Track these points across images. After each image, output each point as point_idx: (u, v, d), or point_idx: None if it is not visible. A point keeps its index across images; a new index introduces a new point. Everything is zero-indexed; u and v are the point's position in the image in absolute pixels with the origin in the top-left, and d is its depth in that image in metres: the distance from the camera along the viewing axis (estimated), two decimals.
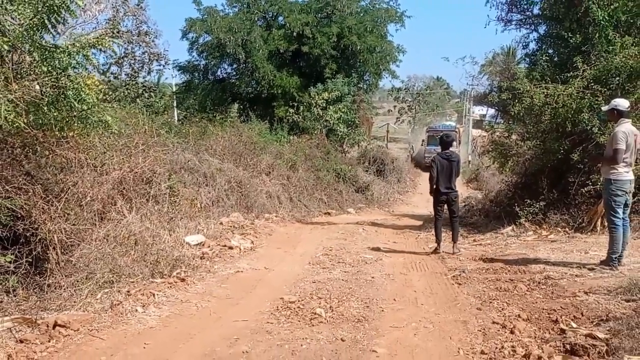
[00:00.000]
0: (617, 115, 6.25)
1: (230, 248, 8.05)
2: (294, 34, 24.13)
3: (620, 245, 6.17)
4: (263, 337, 4.23)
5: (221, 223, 10.10)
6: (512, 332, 4.40)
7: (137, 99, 16.26)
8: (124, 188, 7.51)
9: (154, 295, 5.21)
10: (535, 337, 4.28)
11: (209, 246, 7.98)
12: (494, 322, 4.67)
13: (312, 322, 4.65)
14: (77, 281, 5.28)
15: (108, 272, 5.61)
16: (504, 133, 12.67)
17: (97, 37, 4.80)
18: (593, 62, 9.34)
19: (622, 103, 6.27)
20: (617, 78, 8.88)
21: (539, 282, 5.83)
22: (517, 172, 12.20)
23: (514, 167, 12.20)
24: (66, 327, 4.03)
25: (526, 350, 3.95)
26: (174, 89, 29.25)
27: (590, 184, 8.63)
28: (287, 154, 17.52)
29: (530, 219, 9.41)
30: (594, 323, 4.47)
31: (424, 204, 20.41)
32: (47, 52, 4.80)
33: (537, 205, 9.43)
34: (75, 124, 4.95)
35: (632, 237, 7.27)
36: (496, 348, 4.09)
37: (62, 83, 4.74)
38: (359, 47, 25.36)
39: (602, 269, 6.13)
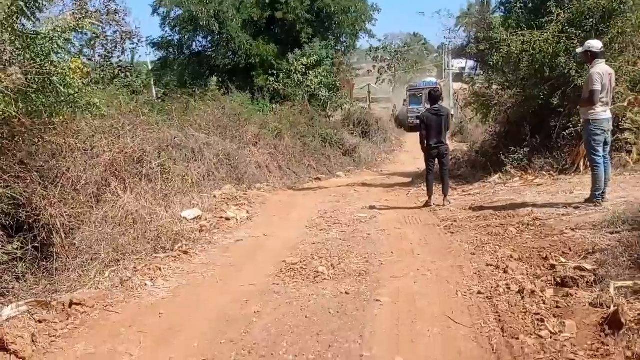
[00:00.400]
0: (591, 56, 6.41)
1: (227, 219, 8.19)
2: (267, 0, 23.81)
3: (603, 182, 6.42)
4: (271, 297, 4.43)
5: (215, 196, 10.20)
6: (505, 272, 4.65)
7: (114, 80, 16.09)
8: (116, 169, 7.56)
9: (160, 269, 5.37)
10: (527, 274, 4.53)
11: (206, 219, 8.11)
12: (487, 265, 4.92)
13: (315, 280, 4.86)
14: (83, 262, 5.41)
15: (112, 251, 5.74)
16: (484, 84, 12.82)
17: (78, 20, 4.80)
18: (566, 5, 9.44)
19: (595, 44, 6.42)
20: (591, 20, 9.03)
21: (528, 224, 6.08)
22: (500, 121, 12.40)
23: (497, 116, 12.40)
24: (82, 305, 4.19)
25: (520, 286, 4.19)
26: (150, 67, 28.84)
27: (571, 126, 8.87)
28: (272, 122, 17.55)
29: (516, 165, 9.67)
30: (582, 256, 4.72)
31: (411, 162, 20.66)
32: (28, 39, 4.81)
33: (522, 152, 9.68)
34: (64, 109, 4.99)
35: (613, 174, 7.54)
36: (492, 287, 4.32)
37: (47, 69, 4.77)
38: (333, 9, 25.14)
39: (587, 207, 6.39)
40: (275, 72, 23.52)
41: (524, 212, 6.74)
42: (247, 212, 8.89)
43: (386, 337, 3.60)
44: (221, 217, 8.29)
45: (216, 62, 24.75)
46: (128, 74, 18.18)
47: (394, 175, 16.82)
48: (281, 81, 23.25)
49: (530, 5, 10.53)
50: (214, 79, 26.30)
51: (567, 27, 9.08)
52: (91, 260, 5.51)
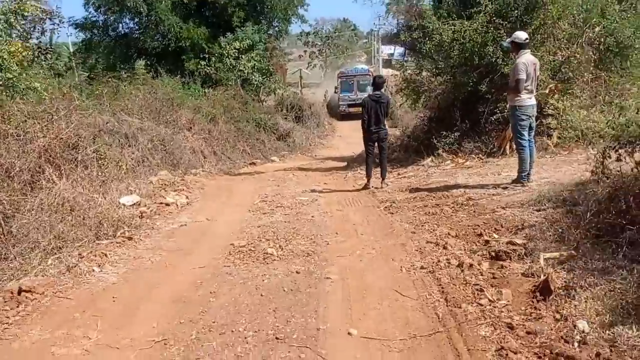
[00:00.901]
0: (516, 47, 6.85)
1: (167, 205, 8.13)
2: None
3: (528, 164, 6.91)
4: (225, 279, 4.53)
5: (151, 182, 10.03)
6: (444, 248, 4.97)
7: (33, 63, 15.35)
8: (50, 155, 7.33)
9: (106, 255, 5.31)
10: (464, 250, 4.87)
11: (145, 205, 8.01)
12: (428, 242, 5.22)
13: (265, 261, 4.99)
14: (23, 250, 5.27)
15: (53, 238, 5.60)
16: (415, 70, 13.26)
17: (19, 2, 4.63)
18: None
19: (520, 35, 6.87)
20: (516, 11, 9.56)
21: (462, 204, 6.47)
22: (431, 107, 12.89)
23: (427, 102, 12.89)
24: (31, 292, 4.11)
25: (459, 260, 4.52)
26: (72, 49, 27.55)
27: (498, 112, 9.40)
28: (205, 107, 17.37)
29: (447, 149, 10.14)
30: (512, 232, 5.13)
31: (344, 146, 21.05)
32: None
33: (452, 136, 10.16)
34: (3, 94, 4.82)
35: (537, 156, 8.09)
36: (433, 262, 4.62)
37: None
38: None
39: (514, 187, 6.86)
40: (206, 56, 23.12)
41: (457, 192, 7.14)
42: (187, 197, 8.84)
43: (339, 311, 3.80)
44: (161, 203, 8.22)
45: (144, 45, 23.94)
46: (48, 55, 17.34)
47: (328, 159, 17.11)
48: (213, 65, 22.89)
49: None
50: (142, 62, 25.60)
51: (494, 18, 9.56)
52: (31, 248, 5.37)
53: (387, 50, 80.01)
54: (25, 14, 4.77)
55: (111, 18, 24.34)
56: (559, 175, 7.01)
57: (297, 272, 4.62)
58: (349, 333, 3.48)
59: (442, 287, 4.05)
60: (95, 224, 6.37)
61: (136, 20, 24.68)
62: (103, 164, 8.54)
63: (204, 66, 22.99)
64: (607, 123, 5.77)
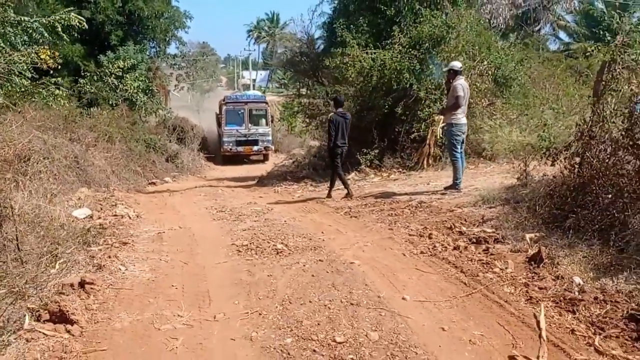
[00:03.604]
0: (453, 73, 8.15)
1: (122, 217, 8.14)
2: None
3: (461, 173, 8.18)
4: (263, 267, 4.98)
5: (79, 198, 9.82)
6: (430, 238, 5.89)
7: None
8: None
9: (117, 257, 5.44)
10: (448, 238, 5.83)
11: (100, 217, 7.97)
12: (411, 235, 6.12)
13: (281, 255, 5.50)
14: (20, 257, 5.22)
15: (50, 245, 5.59)
16: (309, 95, 14.49)
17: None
18: (405, 31, 11.37)
19: (456, 64, 8.23)
20: (426, 44, 11.05)
21: (417, 206, 7.49)
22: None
23: (322, 125, 14.12)
24: (94, 284, 4.24)
25: (453, 244, 5.47)
26: None
27: (415, 131, 10.72)
28: (102, 126, 16.98)
29: (369, 164, 11.25)
30: (477, 225, 6.21)
31: (229, 170, 21.51)
32: None
33: (372, 153, 11.29)
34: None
35: (466, 167, 9.44)
36: (429, 248, 5.52)
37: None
38: (146, 13, 24.88)
39: (451, 192, 8.06)
40: (89, 74, 22.26)
41: (403, 198, 8.18)
42: (134, 210, 8.86)
43: (384, 284, 4.51)
44: (115, 215, 8.21)
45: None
46: None
47: (224, 179, 17.46)
48: (89, 84, 22.06)
49: (374, 30, 12.30)
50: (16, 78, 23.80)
51: (408, 49, 10.96)
52: (37, 254, 5.33)
53: (248, 75, 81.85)
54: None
55: None
56: (479, 185, 8.34)
57: (320, 260, 5.22)
58: (403, 298, 4.21)
59: (454, 264, 4.95)
60: (78, 232, 6.35)
61: None
62: (49, 178, 8.34)
63: (83, 85, 22.09)
64: (538, 136, 7.17)
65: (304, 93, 18.30)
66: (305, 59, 18.72)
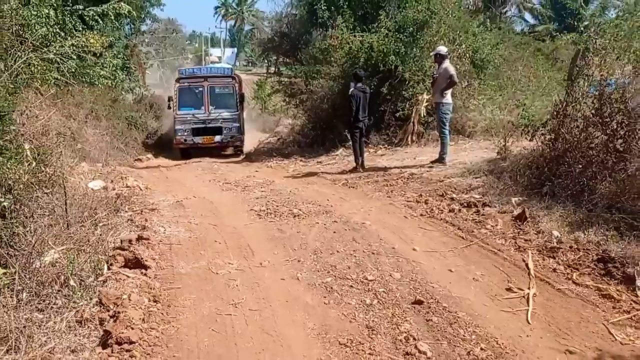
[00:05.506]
0: (440, 57, 8.95)
1: (133, 188, 8.71)
2: None
3: (448, 148, 9.03)
4: (287, 228, 5.73)
5: (84, 172, 10.31)
6: (426, 203, 6.72)
7: None
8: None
9: (153, 220, 6.09)
10: (441, 203, 6.66)
11: (113, 188, 8.53)
12: (408, 201, 6.93)
13: (299, 217, 6.24)
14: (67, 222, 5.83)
15: (89, 211, 6.18)
16: (290, 75, 15.15)
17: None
18: (391, 16, 12.10)
19: (442, 49, 9.05)
20: (411, 28, 11.80)
21: (408, 178, 8.30)
22: (320, 107, 14.75)
23: (306, 104, 14.82)
24: (148, 240, 4.91)
25: (448, 208, 6.31)
26: None
27: (400, 110, 11.51)
28: (87, 103, 17.27)
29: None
30: (466, 192, 7.06)
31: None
32: None
33: None
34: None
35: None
36: (427, 211, 6.35)
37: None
38: None
39: (438, 166, 8.90)
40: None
41: (394, 171, 8.98)
42: (142, 182, 9.42)
43: (395, 239, 5.32)
44: (127, 186, 8.77)
45: None
46: None
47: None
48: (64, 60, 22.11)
49: (360, 13, 13.03)
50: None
51: (394, 32, 11.71)
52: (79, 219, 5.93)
53: (216, 53, 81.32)
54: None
55: None
56: (462, 159, 9.20)
57: (335, 221, 5.98)
58: (413, 249, 5.03)
59: (451, 223, 5.80)
60: (96, 202, 6.92)
61: None
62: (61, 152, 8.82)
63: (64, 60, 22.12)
64: (519, 115, 8.03)
65: (283, 72, 18.92)
66: (286, 39, 19.30)
